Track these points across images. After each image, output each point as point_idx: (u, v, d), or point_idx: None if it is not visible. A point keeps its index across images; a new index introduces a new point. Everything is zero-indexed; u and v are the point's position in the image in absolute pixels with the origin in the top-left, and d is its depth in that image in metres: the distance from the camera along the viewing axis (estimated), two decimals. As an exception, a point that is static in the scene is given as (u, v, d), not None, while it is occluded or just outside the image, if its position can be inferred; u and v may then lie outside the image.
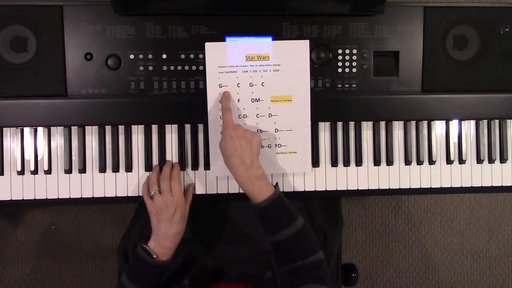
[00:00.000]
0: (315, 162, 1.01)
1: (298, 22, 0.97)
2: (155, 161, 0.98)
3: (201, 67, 0.96)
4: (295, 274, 0.84)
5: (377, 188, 1.03)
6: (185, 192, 0.97)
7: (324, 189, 1.02)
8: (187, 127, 0.99)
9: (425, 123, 1.03)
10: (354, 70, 1.00)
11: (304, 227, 0.86)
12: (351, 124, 1.02)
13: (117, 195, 0.98)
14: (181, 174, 0.98)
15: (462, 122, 1.04)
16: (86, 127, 0.97)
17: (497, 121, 1.05)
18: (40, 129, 0.97)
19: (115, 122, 0.97)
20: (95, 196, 0.98)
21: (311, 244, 0.86)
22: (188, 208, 0.94)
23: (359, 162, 1.02)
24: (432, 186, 1.04)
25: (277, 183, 0.91)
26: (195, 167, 0.99)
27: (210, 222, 1.03)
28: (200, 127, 0.99)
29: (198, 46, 0.96)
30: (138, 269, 0.89)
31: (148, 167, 0.98)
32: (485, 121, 1.05)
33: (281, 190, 1.00)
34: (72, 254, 1.65)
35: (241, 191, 0.99)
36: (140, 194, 0.97)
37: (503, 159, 1.06)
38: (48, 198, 0.97)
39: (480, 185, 1.06)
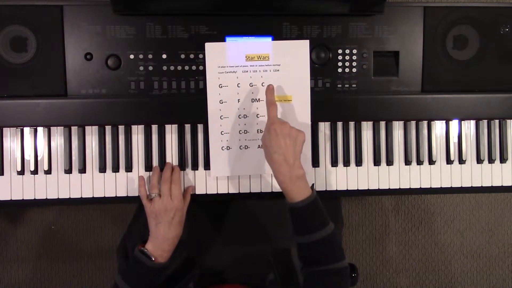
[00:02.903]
0: (315, 162, 1.01)
1: (298, 22, 0.97)
2: (155, 161, 0.98)
3: (201, 67, 0.96)
4: (318, 277, 0.84)
5: (377, 188, 1.03)
6: (183, 194, 0.96)
7: (324, 189, 1.02)
8: (187, 127, 0.99)
9: (425, 123, 1.03)
10: (354, 70, 1.00)
11: (334, 233, 0.85)
12: (351, 124, 1.02)
13: (117, 195, 0.98)
14: (181, 174, 0.98)
15: (462, 122, 1.04)
16: (86, 127, 0.97)
17: (497, 121, 1.05)
18: (40, 129, 0.97)
19: (115, 122, 0.97)
20: (95, 196, 0.98)
21: (338, 250, 0.86)
22: (185, 212, 0.94)
23: (359, 162, 1.02)
24: (432, 186, 1.04)
25: (313, 184, 0.89)
26: (195, 167, 0.99)
27: (210, 222, 1.02)
28: (200, 127, 0.99)
29: (198, 46, 0.96)
30: (135, 272, 0.89)
31: (148, 167, 0.98)
32: (485, 121, 1.05)
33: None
34: (72, 254, 1.65)
35: (242, 191, 1.00)
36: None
37: (503, 159, 1.06)
38: (48, 198, 0.97)
39: (480, 185, 1.06)
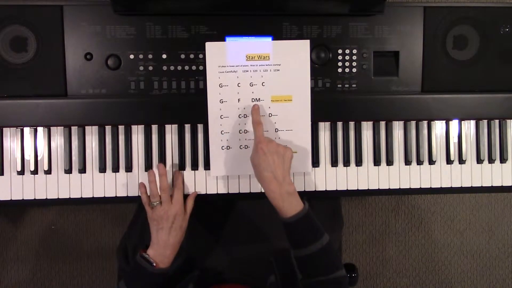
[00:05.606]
0: (315, 162, 1.01)
1: (298, 22, 0.97)
2: (155, 161, 0.98)
3: (201, 67, 0.96)
4: None
5: (377, 188, 1.03)
6: (185, 201, 0.96)
7: (324, 189, 1.02)
8: (187, 127, 0.99)
9: (425, 123, 1.03)
10: (354, 70, 1.00)
11: (329, 244, 0.86)
12: (351, 124, 1.02)
13: (117, 195, 0.98)
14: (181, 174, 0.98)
15: (462, 122, 1.04)
16: (86, 127, 0.97)
17: (497, 121, 1.05)
18: (40, 129, 0.97)
19: (115, 122, 0.97)
20: (95, 196, 0.98)
21: (335, 261, 0.87)
22: (187, 218, 0.94)
23: (359, 162, 1.02)
24: (432, 186, 1.04)
25: (304, 198, 0.90)
26: (195, 167, 0.99)
27: (210, 222, 1.02)
28: (200, 127, 0.99)
29: (198, 46, 0.96)
30: (138, 277, 0.89)
31: (148, 167, 0.98)
32: (485, 121, 1.05)
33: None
34: (72, 254, 1.65)
35: (241, 191, 1.00)
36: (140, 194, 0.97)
37: (503, 159, 1.06)
38: (48, 198, 0.97)
39: (480, 185, 1.06)
